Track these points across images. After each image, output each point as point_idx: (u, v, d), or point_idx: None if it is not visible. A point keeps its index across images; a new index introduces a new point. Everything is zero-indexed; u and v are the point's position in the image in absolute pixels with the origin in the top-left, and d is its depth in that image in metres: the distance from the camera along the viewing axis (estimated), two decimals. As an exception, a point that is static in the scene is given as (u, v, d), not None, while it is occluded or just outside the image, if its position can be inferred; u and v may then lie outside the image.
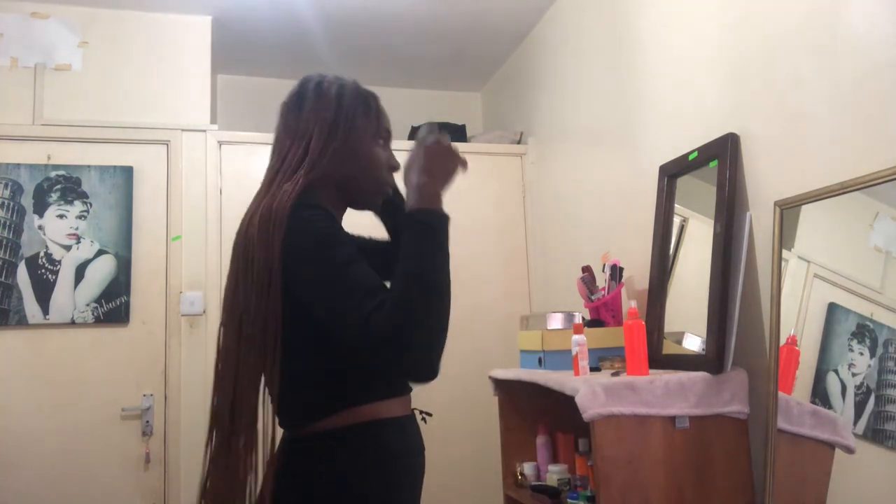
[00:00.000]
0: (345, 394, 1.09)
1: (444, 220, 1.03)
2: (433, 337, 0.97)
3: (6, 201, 2.67)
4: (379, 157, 1.19)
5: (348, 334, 0.97)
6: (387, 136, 1.22)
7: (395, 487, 1.09)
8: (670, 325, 2.00)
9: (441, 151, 1.09)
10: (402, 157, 1.17)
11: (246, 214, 1.13)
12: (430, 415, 1.27)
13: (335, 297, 0.98)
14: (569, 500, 1.98)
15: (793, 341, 1.65)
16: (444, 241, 1.01)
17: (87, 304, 2.70)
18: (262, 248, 1.03)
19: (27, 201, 2.69)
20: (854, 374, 1.50)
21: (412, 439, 1.17)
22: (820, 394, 1.58)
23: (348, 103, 1.16)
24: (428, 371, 0.96)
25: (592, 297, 2.28)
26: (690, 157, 1.99)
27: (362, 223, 1.36)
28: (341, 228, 1.13)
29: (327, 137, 1.13)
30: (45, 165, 2.73)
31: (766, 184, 1.76)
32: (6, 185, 2.68)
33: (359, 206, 1.24)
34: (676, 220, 2.08)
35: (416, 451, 1.17)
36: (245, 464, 1.06)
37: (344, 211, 1.23)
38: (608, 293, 2.22)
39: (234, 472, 1.05)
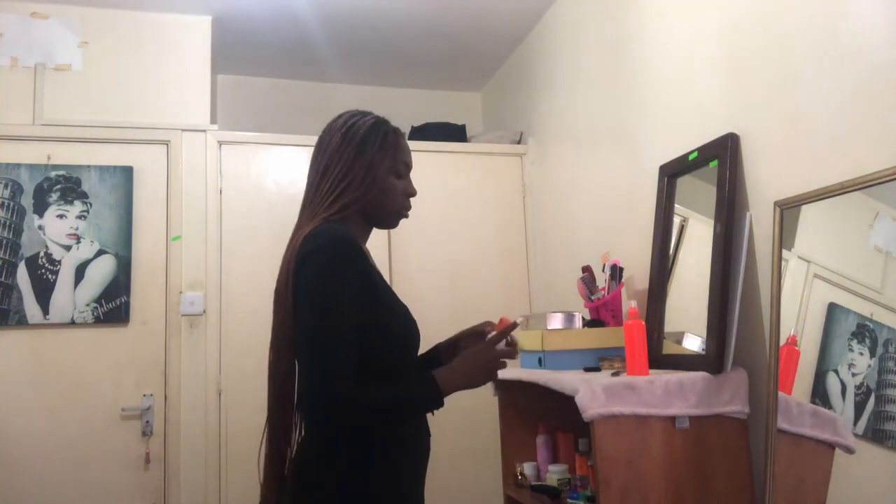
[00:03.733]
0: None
1: (440, 404, 1.25)
2: (357, 421, 1.19)
3: (6, 201, 2.67)
4: (394, 187, 1.36)
5: (308, 373, 1.16)
6: (404, 168, 1.38)
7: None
8: (670, 325, 2.00)
9: (487, 367, 1.30)
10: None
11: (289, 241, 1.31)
12: None
13: (316, 340, 1.16)
14: (569, 500, 1.98)
15: (793, 341, 1.65)
16: (427, 410, 1.27)
17: (87, 304, 2.70)
18: (293, 271, 1.22)
19: (27, 201, 2.69)
20: (854, 374, 1.50)
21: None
22: (820, 394, 1.58)
23: (367, 141, 1.33)
24: (322, 424, 1.19)
25: (592, 297, 2.28)
26: (690, 157, 1.99)
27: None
28: (357, 269, 1.24)
29: (347, 172, 1.31)
30: (45, 165, 2.73)
31: (765, 184, 1.76)
32: (6, 185, 2.68)
33: (379, 226, 1.41)
34: (676, 220, 2.08)
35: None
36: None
37: (370, 231, 1.40)
38: (608, 293, 2.22)
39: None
